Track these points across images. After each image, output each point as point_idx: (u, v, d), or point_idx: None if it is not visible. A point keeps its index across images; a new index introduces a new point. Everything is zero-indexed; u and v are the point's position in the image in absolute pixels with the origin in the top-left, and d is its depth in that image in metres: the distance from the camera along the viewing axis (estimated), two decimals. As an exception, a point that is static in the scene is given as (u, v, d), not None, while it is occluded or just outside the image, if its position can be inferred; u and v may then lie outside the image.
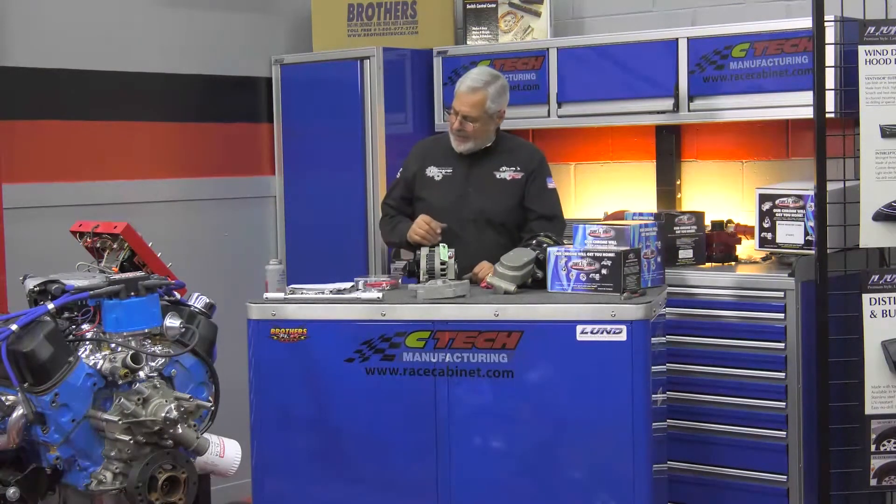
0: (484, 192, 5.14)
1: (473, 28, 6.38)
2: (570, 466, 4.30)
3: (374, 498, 4.39)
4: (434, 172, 5.21)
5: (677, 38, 5.58)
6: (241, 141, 6.44)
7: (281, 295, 4.53)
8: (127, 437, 3.27)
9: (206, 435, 3.44)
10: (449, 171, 5.20)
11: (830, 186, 5.03)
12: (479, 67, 5.35)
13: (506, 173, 5.18)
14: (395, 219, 5.26)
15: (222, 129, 6.36)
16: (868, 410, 4.99)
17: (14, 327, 3.27)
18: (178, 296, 3.74)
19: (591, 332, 4.23)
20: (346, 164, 6.22)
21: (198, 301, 3.74)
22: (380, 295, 4.43)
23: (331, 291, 4.50)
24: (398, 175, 5.38)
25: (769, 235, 5.28)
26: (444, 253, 4.64)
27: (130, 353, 3.31)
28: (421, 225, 4.99)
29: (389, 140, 6.16)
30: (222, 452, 3.50)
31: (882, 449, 5.01)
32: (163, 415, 3.26)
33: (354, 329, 4.36)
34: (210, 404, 3.52)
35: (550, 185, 5.23)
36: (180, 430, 3.29)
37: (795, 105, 5.26)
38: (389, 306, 4.37)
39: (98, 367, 3.33)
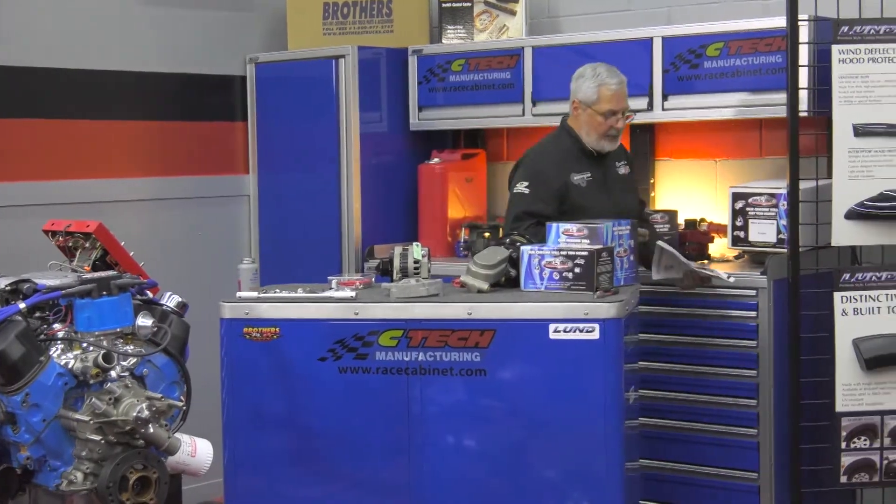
0: (623, 191, 5.18)
1: (449, 27, 6.39)
2: (542, 465, 4.30)
3: (347, 497, 4.38)
4: (578, 179, 5.06)
5: (652, 38, 5.60)
6: (216, 140, 6.44)
7: (254, 294, 4.52)
8: (98, 437, 3.26)
9: (177, 434, 3.44)
10: (588, 175, 5.08)
11: (803, 185, 5.06)
12: (597, 65, 5.15)
13: (621, 169, 5.22)
14: None
15: (196, 128, 6.35)
16: (839, 408, 5.01)
17: (-16, 327, 3.26)
18: (150, 295, 3.74)
19: (564, 331, 4.24)
20: (321, 164, 6.23)
21: (170, 300, 3.73)
22: (353, 294, 4.43)
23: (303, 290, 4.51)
24: (527, 191, 4.99)
25: (742, 234, 5.31)
26: (417, 252, 4.64)
27: (102, 352, 3.31)
28: None
29: (364, 139, 6.17)
30: (194, 452, 3.49)
31: (852, 446, 5.04)
32: (134, 414, 3.25)
33: (327, 328, 4.35)
34: (182, 404, 3.52)
35: None
36: (151, 430, 3.29)
37: (769, 104, 5.29)
38: (362, 305, 4.36)
39: (69, 366, 3.33)
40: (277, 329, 4.36)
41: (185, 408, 3.56)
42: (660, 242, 5.03)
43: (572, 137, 5.12)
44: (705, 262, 5.46)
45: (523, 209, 5.01)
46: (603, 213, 4.93)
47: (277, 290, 4.55)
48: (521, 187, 5.05)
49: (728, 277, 4.99)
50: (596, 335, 4.21)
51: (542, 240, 4.67)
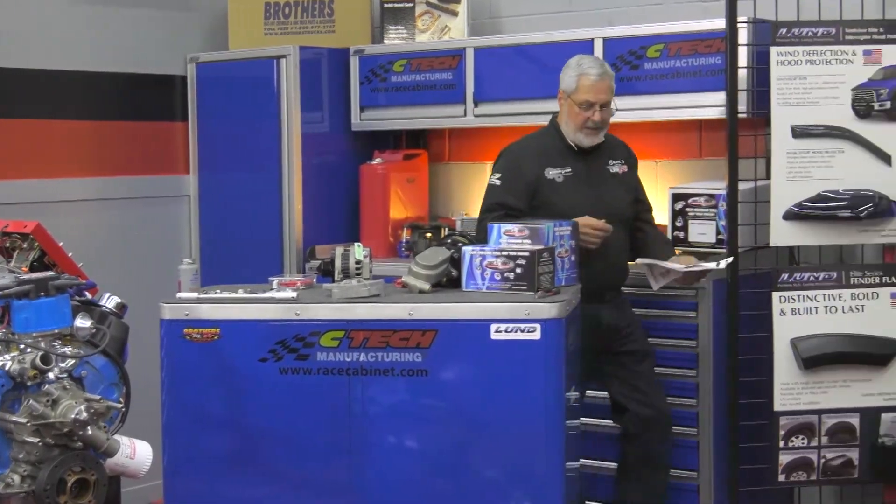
0: (608, 189, 5.04)
1: (390, 27, 6.39)
2: (484, 465, 4.30)
3: (288, 498, 4.36)
4: (554, 174, 4.97)
5: (593, 39, 5.62)
6: (156, 139, 6.40)
7: (194, 295, 4.50)
8: (35, 440, 3.23)
9: (116, 436, 3.41)
10: (568, 170, 4.98)
11: (742, 186, 5.11)
12: (584, 56, 5.09)
13: (615, 167, 5.09)
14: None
15: (137, 128, 6.32)
16: (777, 407, 5.06)
17: (-81, 329, 3.23)
18: (89, 296, 3.70)
19: (506, 331, 4.24)
20: (262, 164, 6.21)
21: (109, 301, 3.70)
22: (294, 294, 4.42)
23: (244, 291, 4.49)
24: (499, 183, 4.98)
25: (682, 234, 5.34)
26: (359, 252, 4.63)
27: (40, 354, 3.27)
28: (593, 234, 4.82)
29: (306, 139, 6.16)
30: (133, 454, 3.46)
31: (790, 445, 5.09)
32: (72, 416, 3.22)
33: (268, 329, 4.33)
34: (121, 405, 3.49)
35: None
36: (90, 432, 3.25)
37: (708, 105, 5.33)
38: (303, 306, 4.35)
39: (6, 368, 3.28)
40: (218, 330, 4.34)
41: (124, 409, 3.52)
42: (640, 260, 5.01)
43: (557, 132, 5.05)
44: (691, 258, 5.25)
45: (495, 200, 4.98)
46: (579, 210, 4.86)
47: (218, 291, 4.52)
48: (494, 178, 5.02)
49: (718, 265, 4.87)
50: (537, 335, 4.22)
51: None
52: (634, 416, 4.98)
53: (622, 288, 5.17)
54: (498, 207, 4.95)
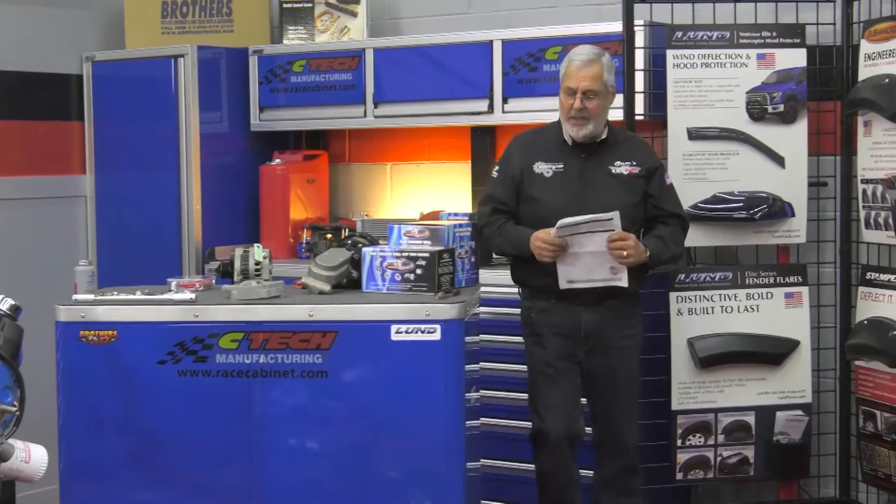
0: (602, 189, 4.65)
1: (290, 27, 6.36)
2: (385, 466, 4.30)
3: (187, 501, 4.33)
4: (543, 168, 4.68)
5: (492, 41, 5.65)
6: (51, 139, 6.30)
7: (91, 296, 4.44)
8: (-74, 445, 3.18)
9: (10, 440, 3.36)
10: (560, 166, 4.67)
11: (640, 187, 5.15)
12: (580, 46, 4.77)
13: (622, 168, 4.67)
14: (504, 223, 4.73)
15: (32, 127, 6.21)
16: (674, 406, 5.12)
17: None
18: (-19, 298, 3.65)
19: (406, 332, 4.25)
20: (160, 164, 6.15)
21: (3, 303, 3.64)
22: (193, 296, 4.38)
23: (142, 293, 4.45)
24: (496, 175, 4.80)
25: (581, 235, 5.37)
26: (258, 253, 4.61)
27: (-70, 358, 3.22)
28: (543, 247, 4.54)
29: (204, 139, 6.11)
30: (28, 458, 3.41)
31: (687, 443, 5.15)
32: (-35, 421, 3.18)
33: (166, 330, 4.29)
34: (15, 409, 3.43)
35: (669, 181, 4.80)
36: (-17, 436, 3.21)
37: (607, 108, 5.36)
38: (202, 307, 4.32)
39: None
40: (115, 332, 4.29)
41: (18, 413, 3.47)
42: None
43: (558, 126, 4.77)
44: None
45: (488, 192, 4.83)
46: (559, 207, 4.59)
47: (115, 293, 4.48)
48: (494, 170, 4.85)
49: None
50: (437, 336, 4.23)
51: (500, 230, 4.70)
52: (595, 439, 4.80)
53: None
54: (490, 200, 4.79)
